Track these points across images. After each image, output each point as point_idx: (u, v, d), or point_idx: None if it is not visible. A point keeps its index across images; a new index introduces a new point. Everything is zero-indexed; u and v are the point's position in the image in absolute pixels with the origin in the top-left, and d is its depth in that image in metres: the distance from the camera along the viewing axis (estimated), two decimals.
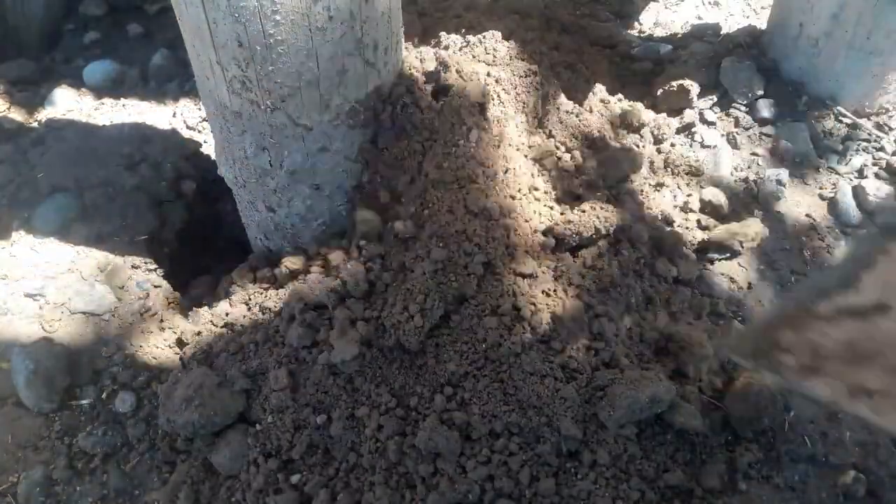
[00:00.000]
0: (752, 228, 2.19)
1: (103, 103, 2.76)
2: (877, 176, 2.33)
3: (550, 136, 2.21)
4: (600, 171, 2.22)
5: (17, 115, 2.73)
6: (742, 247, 2.18)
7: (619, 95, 2.52)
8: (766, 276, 2.18)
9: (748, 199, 2.33)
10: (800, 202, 2.31)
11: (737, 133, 2.46)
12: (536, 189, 2.03)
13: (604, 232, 1.95)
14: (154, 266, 2.24)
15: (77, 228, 2.24)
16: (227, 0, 1.49)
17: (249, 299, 1.95)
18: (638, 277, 1.99)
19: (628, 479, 1.62)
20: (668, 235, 2.14)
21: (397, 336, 1.67)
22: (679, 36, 2.98)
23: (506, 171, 1.93)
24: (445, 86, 1.92)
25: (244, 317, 1.92)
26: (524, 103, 2.09)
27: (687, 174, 2.37)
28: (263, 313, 1.88)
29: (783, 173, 2.35)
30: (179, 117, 2.82)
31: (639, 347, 1.85)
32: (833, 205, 2.29)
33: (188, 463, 1.75)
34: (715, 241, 2.20)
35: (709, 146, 2.43)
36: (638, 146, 2.42)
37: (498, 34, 2.18)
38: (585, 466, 1.61)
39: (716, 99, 2.53)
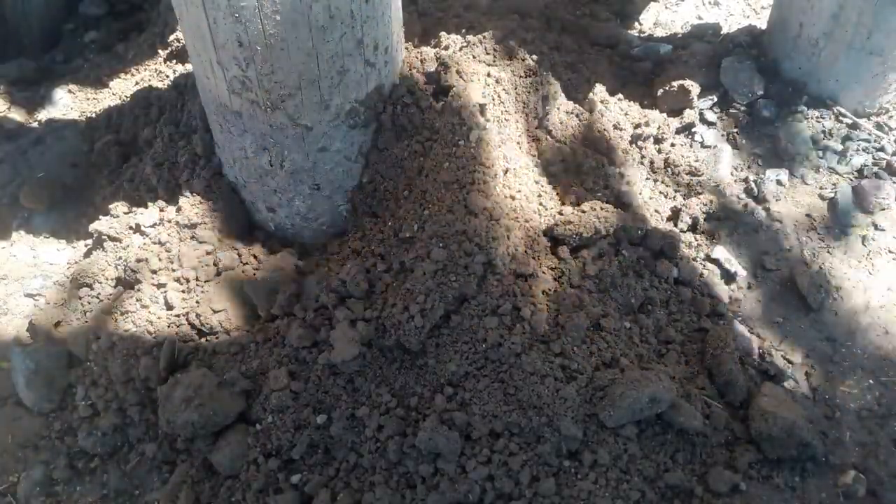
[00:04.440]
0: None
1: None
2: (877, 176, 2.33)
3: (550, 135, 2.21)
4: (600, 171, 2.22)
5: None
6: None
7: (619, 95, 2.52)
8: (766, 276, 2.18)
9: (748, 199, 2.33)
10: (800, 202, 2.31)
11: (737, 133, 2.46)
12: (536, 189, 2.03)
13: (604, 232, 1.95)
14: None
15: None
16: (228, 0, 1.49)
17: None
18: (638, 278, 1.99)
19: (629, 479, 1.62)
20: (668, 235, 2.14)
21: (397, 336, 1.67)
22: (679, 36, 2.97)
23: (506, 172, 1.93)
24: (445, 86, 1.92)
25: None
26: (524, 103, 2.09)
27: (687, 174, 2.37)
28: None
29: (783, 173, 2.35)
30: None
31: (639, 347, 1.85)
32: (833, 205, 2.28)
33: (188, 463, 1.75)
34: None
35: (709, 146, 2.42)
36: (638, 146, 2.42)
37: (498, 34, 2.18)
38: (586, 466, 1.61)
39: (716, 99, 2.53)
